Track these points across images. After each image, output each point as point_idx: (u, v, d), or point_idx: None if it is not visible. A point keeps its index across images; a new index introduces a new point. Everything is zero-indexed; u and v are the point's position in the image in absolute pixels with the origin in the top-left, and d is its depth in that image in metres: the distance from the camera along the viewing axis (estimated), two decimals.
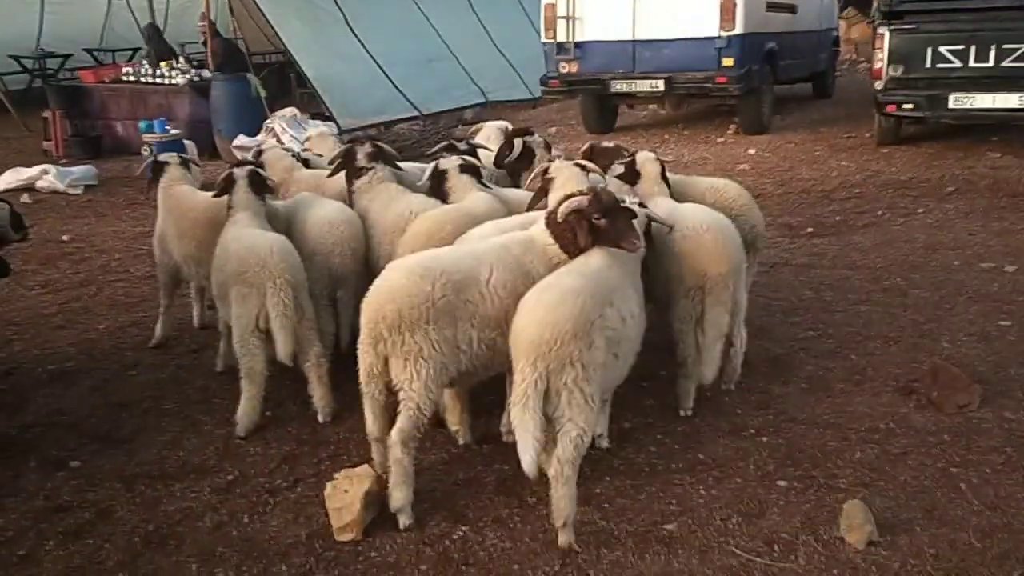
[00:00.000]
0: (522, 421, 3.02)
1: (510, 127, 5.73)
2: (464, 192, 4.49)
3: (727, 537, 3.20)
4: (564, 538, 3.17)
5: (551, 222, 3.50)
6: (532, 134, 5.12)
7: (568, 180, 4.01)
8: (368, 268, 4.42)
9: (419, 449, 3.82)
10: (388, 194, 4.59)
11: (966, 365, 4.44)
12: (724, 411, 4.09)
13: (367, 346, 3.28)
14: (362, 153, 4.68)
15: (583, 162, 4.28)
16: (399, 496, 3.30)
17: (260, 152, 5.40)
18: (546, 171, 4.17)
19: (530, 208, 4.10)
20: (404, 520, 3.32)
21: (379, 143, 4.85)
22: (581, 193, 3.48)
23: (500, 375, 3.56)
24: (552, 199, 3.92)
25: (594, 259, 3.38)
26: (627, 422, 3.94)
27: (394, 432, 3.28)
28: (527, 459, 2.97)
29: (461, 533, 3.30)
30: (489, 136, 5.69)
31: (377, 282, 3.33)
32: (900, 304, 5.40)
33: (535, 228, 3.59)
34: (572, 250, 3.43)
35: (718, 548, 3.14)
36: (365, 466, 3.43)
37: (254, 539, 3.32)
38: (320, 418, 4.15)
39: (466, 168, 4.58)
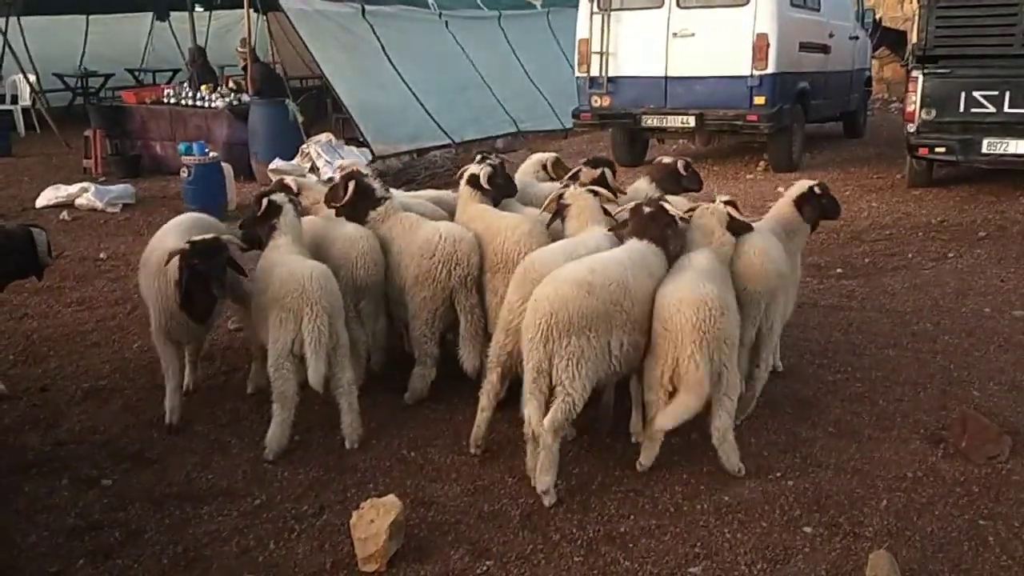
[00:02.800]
0: (689, 405, 3.65)
1: (544, 158, 5.86)
2: (465, 204, 4.82)
3: None
4: (741, 474, 3.86)
5: (643, 228, 4.08)
6: (602, 164, 5.16)
7: (583, 208, 4.41)
8: (390, 288, 4.69)
9: (444, 481, 3.91)
10: (408, 221, 4.70)
11: (996, 415, 4.40)
12: (750, 453, 4.08)
13: (538, 344, 3.58)
14: (377, 184, 4.84)
15: (595, 188, 4.61)
16: (546, 479, 3.64)
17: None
18: (561, 196, 4.51)
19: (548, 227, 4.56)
20: (549, 500, 3.66)
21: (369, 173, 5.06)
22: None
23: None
24: (570, 226, 4.41)
25: (698, 258, 3.98)
26: (657, 457, 3.94)
27: (547, 422, 3.56)
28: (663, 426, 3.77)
29: (485, 568, 3.31)
30: (526, 168, 5.79)
31: (546, 291, 3.64)
32: (929, 350, 5.36)
33: (634, 244, 4.04)
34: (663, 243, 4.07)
35: None
36: (391, 496, 3.46)
37: (279, 566, 3.35)
38: (347, 445, 4.20)
39: (469, 180, 4.82)
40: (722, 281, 3.92)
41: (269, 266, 4.28)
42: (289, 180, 5.24)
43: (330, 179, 5.58)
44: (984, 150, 8.97)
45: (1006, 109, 8.83)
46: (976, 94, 8.94)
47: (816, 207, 4.73)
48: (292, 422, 4.13)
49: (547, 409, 3.61)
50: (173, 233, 4.59)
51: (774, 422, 4.41)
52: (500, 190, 4.86)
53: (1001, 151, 8.92)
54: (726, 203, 4.21)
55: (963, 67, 9.11)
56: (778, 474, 3.94)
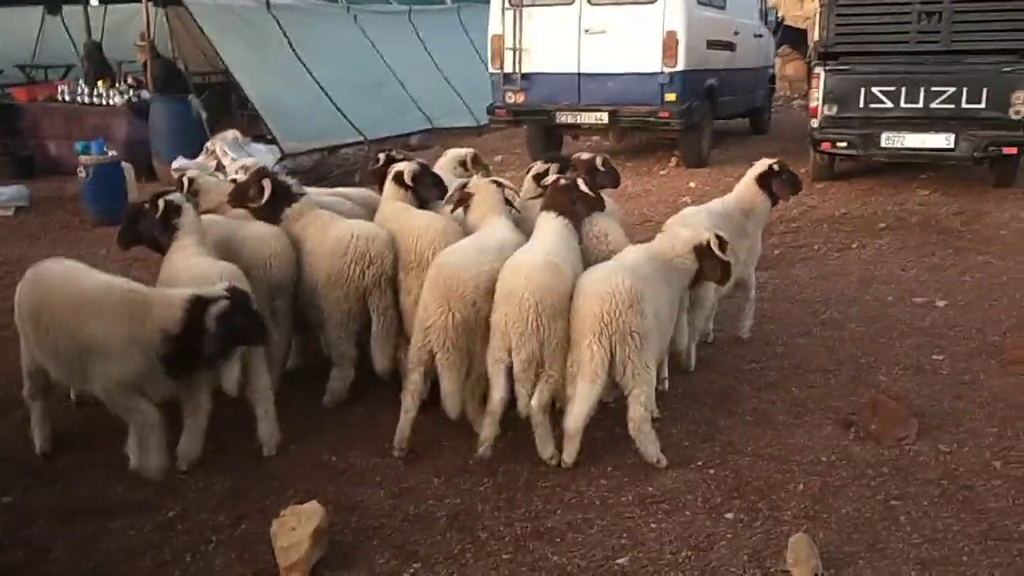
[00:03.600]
0: (588, 395, 3.74)
1: (461, 154, 5.85)
2: (385, 202, 4.88)
3: (678, 572, 3.24)
4: (662, 464, 3.92)
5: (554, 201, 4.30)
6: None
7: (485, 199, 4.54)
8: (302, 288, 4.57)
9: (368, 485, 3.84)
10: (322, 219, 4.61)
11: (902, 398, 4.58)
12: (672, 443, 4.13)
13: (529, 336, 3.73)
14: (291, 182, 4.78)
15: (499, 179, 4.75)
16: (548, 449, 3.92)
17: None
18: (464, 186, 4.66)
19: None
20: (557, 461, 3.92)
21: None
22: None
23: None
24: (472, 217, 4.53)
25: (631, 254, 4.14)
26: (578, 454, 3.94)
27: (534, 403, 3.82)
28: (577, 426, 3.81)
29: (413, 570, 3.27)
30: (443, 165, 5.73)
31: (519, 283, 3.75)
32: (838, 337, 5.54)
33: (552, 223, 4.21)
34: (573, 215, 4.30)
35: None
36: (313, 502, 3.37)
37: None
38: (265, 452, 4.08)
39: (394, 177, 4.87)
40: (652, 278, 3.96)
41: (175, 269, 4.12)
42: (189, 176, 5.08)
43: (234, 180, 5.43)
44: (883, 144, 9.35)
45: (903, 104, 9.22)
46: (875, 90, 9.31)
47: (778, 183, 5.13)
48: (205, 430, 3.98)
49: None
50: (88, 273, 3.99)
51: (694, 412, 4.49)
52: (427, 189, 4.81)
53: (899, 145, 9.32)
54: (717, 237, 4.22)
55: (862, 64, 9.48)
56: (699, 463, 4.00)
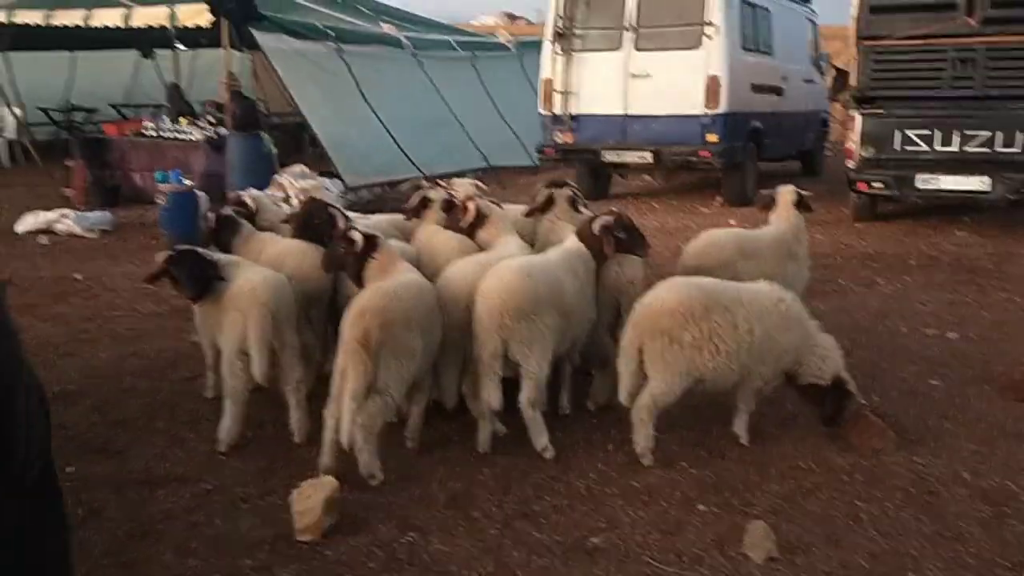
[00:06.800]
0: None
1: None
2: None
3: (644, 550, 3.59)
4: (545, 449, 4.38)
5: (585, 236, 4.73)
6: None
7: (495, 221, 5.07)
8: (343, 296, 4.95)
9: (382, 469, 4.28)
10: None
11: (890, 416, 4.82)
12: (662, 447, 4.46)
13: (492, 332, 4.16)
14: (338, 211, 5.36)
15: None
16: (542, 440, 4.36)
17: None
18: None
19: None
20: (550, 454, 4.35)
21: None
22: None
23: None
24: (484, 235, 5.02)
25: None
26: (577, 450, 4.35)
27: (523, 400, 4.26)
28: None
29: (410, 538, 3.69)
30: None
31: (491, 283, 4.20)
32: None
33: (569, 244, 4.73)
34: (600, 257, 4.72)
35: (635, 559, 3.53)
36: (329, 476, 3.85)
37: (224, 537, 3.72)
38: (296, 439, 4.57)
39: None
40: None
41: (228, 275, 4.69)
42: (252, 195, 5.73)
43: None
44: (918, 185, 9.56)
45: (937, 147, 9.43)
46: (910, 133, 9.55)
47: (806, 201, 5.92)
48: (244, 417, 4.50)
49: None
50: None
51: (689, 423, 4.81)
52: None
53: (933, 187, 9.52)
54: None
55: (897, 108, 9.73)
56: (684, 464, 4.35)
